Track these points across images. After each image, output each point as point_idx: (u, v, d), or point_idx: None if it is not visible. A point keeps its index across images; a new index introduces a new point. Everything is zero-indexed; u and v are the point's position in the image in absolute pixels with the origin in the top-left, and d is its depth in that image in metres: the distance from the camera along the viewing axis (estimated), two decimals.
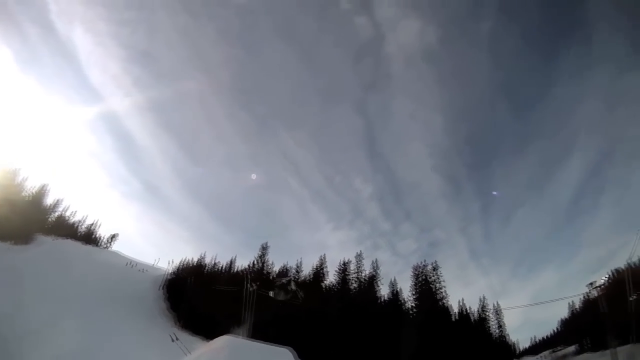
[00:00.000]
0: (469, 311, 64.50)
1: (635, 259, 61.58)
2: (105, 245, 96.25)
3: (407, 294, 60.86)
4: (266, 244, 68.87)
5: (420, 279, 60.93)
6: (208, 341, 56.88)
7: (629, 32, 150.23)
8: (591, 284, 62.66)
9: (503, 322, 68.94)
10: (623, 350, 51.57)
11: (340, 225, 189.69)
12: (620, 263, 73.07)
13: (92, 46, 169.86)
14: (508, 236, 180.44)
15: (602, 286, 51.32)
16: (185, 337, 59.23)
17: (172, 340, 53.79)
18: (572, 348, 76.99)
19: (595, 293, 57.80)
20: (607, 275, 64.12)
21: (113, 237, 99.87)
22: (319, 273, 61.97)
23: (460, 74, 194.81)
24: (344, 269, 60.87)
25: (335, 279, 60.77)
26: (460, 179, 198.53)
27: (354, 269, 60.97)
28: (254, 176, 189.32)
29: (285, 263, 68.22)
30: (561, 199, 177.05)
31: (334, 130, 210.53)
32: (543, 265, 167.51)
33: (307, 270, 64.86)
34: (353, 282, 59.86)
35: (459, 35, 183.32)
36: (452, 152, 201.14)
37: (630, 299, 64.10)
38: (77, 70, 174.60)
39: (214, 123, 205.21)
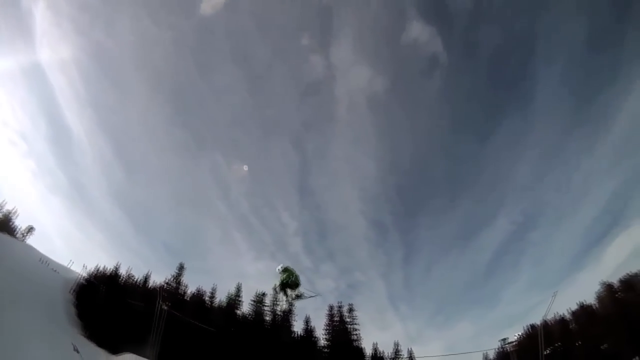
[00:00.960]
0: (382, 354, 68.64)
1: (545, 316, 68.17)
2: (20, 237, 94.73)
3: (321, 331, 64.22)
4: (183, 264, 70.54)
5: (335, 318, 64.52)
6: (111, 356, 58.31)
7: (570, 106, 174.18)
8: (504, 339, 69.37)
9: None
10: None
11: (261, 255, 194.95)
12: (535, 319, 79.84)
13: (50, 25, 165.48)
14: (428, 286, 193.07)
15: (514, 342, 56.59)
16: (89, 348, 59.98)
17: (74, 350, 54.58)
18: None
19: (508, 347, 63.98)
20: (519, 333, 70.62)
21: (30, 229, 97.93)
22: (234, 301, 64.35)
23: (401, 127, 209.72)
24: (259, 300, 63.73)
25: (250, 309, 63.34)
26: (387, 226, 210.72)
27: (269, 302, 63.76)
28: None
29: (200, 286, 69.87)
30: (483, 255, 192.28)
31: (269, 161, 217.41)
32: (460, 316, 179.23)
33: (222, 296, 67.15)
34: (268, 314, 62.67)
35: (407, 90, 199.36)
36: (382, 200, 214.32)
37: (546, 352, 71.03)
38: (29, 46, 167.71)
39: (152, 133, 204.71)
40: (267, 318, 62.49)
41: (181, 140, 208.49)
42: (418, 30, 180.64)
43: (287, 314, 63.12)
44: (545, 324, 76.82)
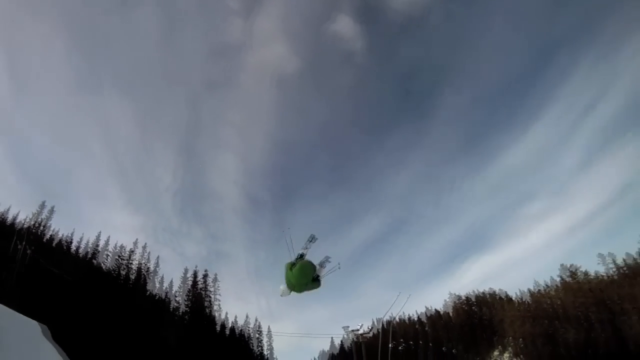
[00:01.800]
0: (237, 325, 74.46)
1: (395, 314, 77.70)
2: None
3: (183, 296, 67.23)
4: (52, 207, 68.74)
5: (198, 285, 68.13)
6: None
7: (464, 136, 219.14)
8: (347, 326, 77.82)
9: (272, 342, 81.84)
10: None
11: (132, 209, 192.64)
12: (390, 316, 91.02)
13: None
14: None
15: (358, 331, 63.90)
16: None
17: None
18: None
19: (350, 335, 72.14)
20: (367, 326, 79.27)
21: None
22: (96, 253, 64.56)
23: (303, 111, 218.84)
24: (122, 255, 64.70)
25: (113, 263, 64.14)
26: (264, 202, 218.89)
27: (134, 258, 65.43)
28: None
29: (66, 233, 68.52)
30: (351, 248, 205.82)
31: (159, 111, 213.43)
32: (317, 300, 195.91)
33: (87, 246, 66.39)
34: (129, 270, 63.89)
35: (318, 78, 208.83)
36: (264, 176, 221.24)
37: (399, 347, 79.87)
38: None
39: (50, 61, 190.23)
40: (128, 274, 62.99)
41: (78, 74, 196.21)
42: (344, 25, 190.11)
43: (148, 273, 65.20)
44: (400, 322, 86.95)
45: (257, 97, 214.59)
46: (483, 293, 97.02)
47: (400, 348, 79.72)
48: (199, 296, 67.34)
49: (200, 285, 69.15)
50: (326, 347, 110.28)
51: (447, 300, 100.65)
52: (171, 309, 64.46)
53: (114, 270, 62.62)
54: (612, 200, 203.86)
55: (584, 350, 68.25)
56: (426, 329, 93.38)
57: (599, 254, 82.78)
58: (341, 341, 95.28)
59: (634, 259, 79.03)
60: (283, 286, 10.49)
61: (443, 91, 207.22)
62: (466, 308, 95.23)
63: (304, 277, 10.30)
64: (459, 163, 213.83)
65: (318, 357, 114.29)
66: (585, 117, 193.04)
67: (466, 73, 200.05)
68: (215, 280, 70.91)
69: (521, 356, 76.45)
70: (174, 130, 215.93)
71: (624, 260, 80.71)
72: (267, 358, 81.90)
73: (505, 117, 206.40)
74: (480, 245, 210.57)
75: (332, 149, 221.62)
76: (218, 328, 69.10)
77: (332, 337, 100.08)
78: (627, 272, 77.78)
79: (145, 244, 69.95)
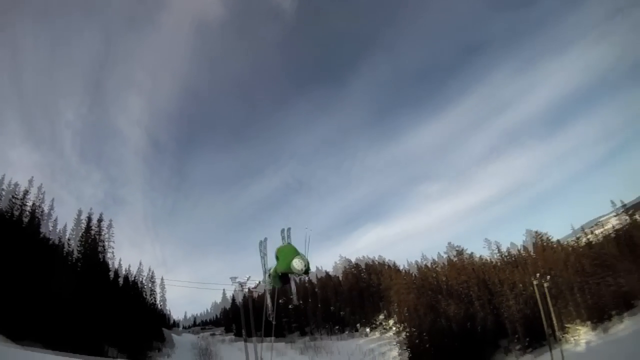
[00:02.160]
0: (130, 274, 77.57)
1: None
2: None
3: (76, 241, 67.98)
4: None
5: (92, 231, 69.52)
6: None
7: (379, 111, 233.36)
8: (235, 277, 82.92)
9: (164, 294, 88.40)
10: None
11: (31, 145, 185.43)
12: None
13: None
14: (194, 218, 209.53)
15: (244, 283, 68.41)
16: None
17: None
18: (220, 329, 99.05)
19: (237, 287, 77.27)
20: (249, 275, 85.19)
21: None
22: None
23: (220, 61, 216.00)
24: (22, 195, 63.47)
25: (6, 204, 61.55)
26: (167, 149, 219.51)
27: (28, 198, 64.33)
28: None
29: None
30: (250, 202, 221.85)
31: (72, 41, 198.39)
32: (216, 251, 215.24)
33: None
34: (26, 213, 63.04)
35: (241, 30, 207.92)
36: (170, 121, 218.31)
37: (281, 301, 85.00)
38: None
39: None
40: (22, 216, 62.02)
41: None
42: None
43: (42, 216, 64.36)
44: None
45: (175, 40, 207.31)
46: (373, 260, 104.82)
47: (290, 306, 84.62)
48: (92, 242, 68.56)
49: (94, 230, 70.22)
50: (219, 299, 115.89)
51: (338, 262, 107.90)
52: (64, 254, 65.06)
53: (7, 211, 61.43)
54: (506, 194, 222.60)
55: (463, 323, 74.56)
56: (315, 289, 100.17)
57: (486, 239, 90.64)
58: (232, 294, 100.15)
59: (518, 250, 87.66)
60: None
61: (364, 62, 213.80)
62: (355, 272, 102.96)
63: (294, 251, 8.95)
64: (366, 134, 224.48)
65: (210, 309, 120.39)
66: (499, 114, 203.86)
67: (391, 49, 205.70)
68: (110, 226, 72.50)
69: (405, 323, 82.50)
70: (84, 63, 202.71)
71: (508, 248, 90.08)
72: (160, 309, 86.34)
73: (420, 99, 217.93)
74: (374, 215, 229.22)
75: (245, 103, 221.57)
76: (111, 275, 70.49)
77: (223, 289, 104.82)
78: (510, 259, 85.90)
79: (41, 184, 68.61)
